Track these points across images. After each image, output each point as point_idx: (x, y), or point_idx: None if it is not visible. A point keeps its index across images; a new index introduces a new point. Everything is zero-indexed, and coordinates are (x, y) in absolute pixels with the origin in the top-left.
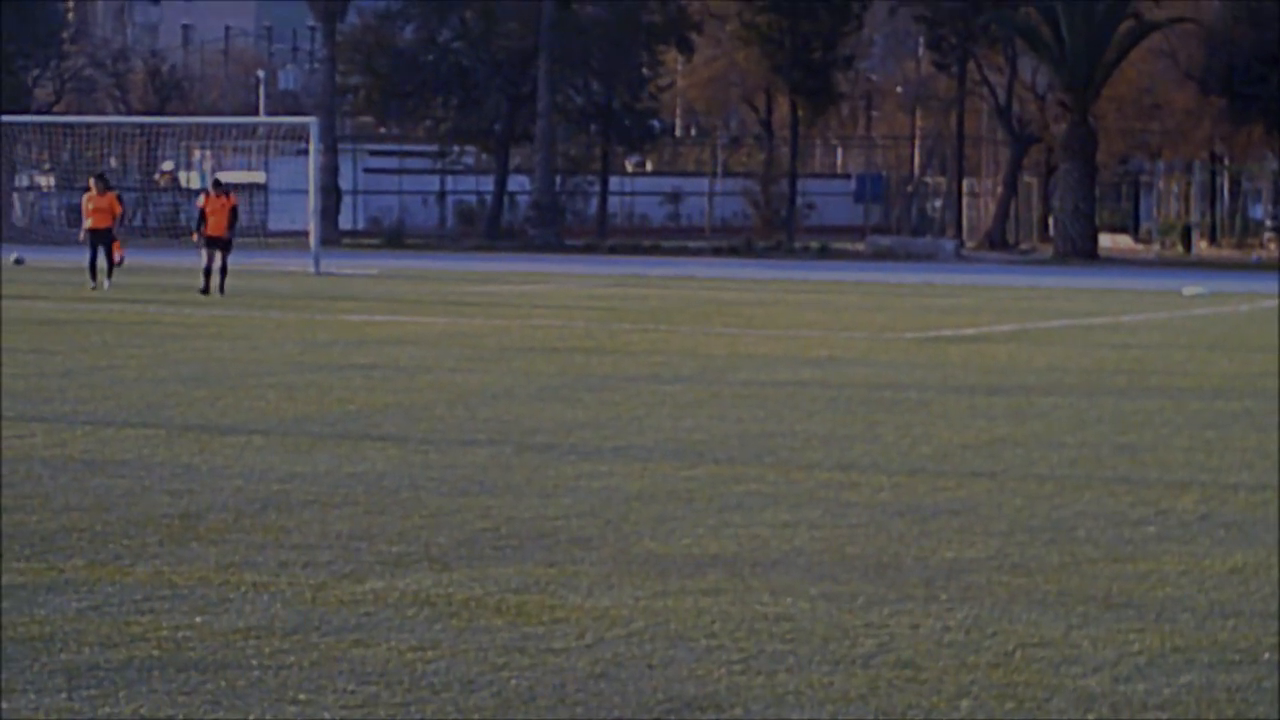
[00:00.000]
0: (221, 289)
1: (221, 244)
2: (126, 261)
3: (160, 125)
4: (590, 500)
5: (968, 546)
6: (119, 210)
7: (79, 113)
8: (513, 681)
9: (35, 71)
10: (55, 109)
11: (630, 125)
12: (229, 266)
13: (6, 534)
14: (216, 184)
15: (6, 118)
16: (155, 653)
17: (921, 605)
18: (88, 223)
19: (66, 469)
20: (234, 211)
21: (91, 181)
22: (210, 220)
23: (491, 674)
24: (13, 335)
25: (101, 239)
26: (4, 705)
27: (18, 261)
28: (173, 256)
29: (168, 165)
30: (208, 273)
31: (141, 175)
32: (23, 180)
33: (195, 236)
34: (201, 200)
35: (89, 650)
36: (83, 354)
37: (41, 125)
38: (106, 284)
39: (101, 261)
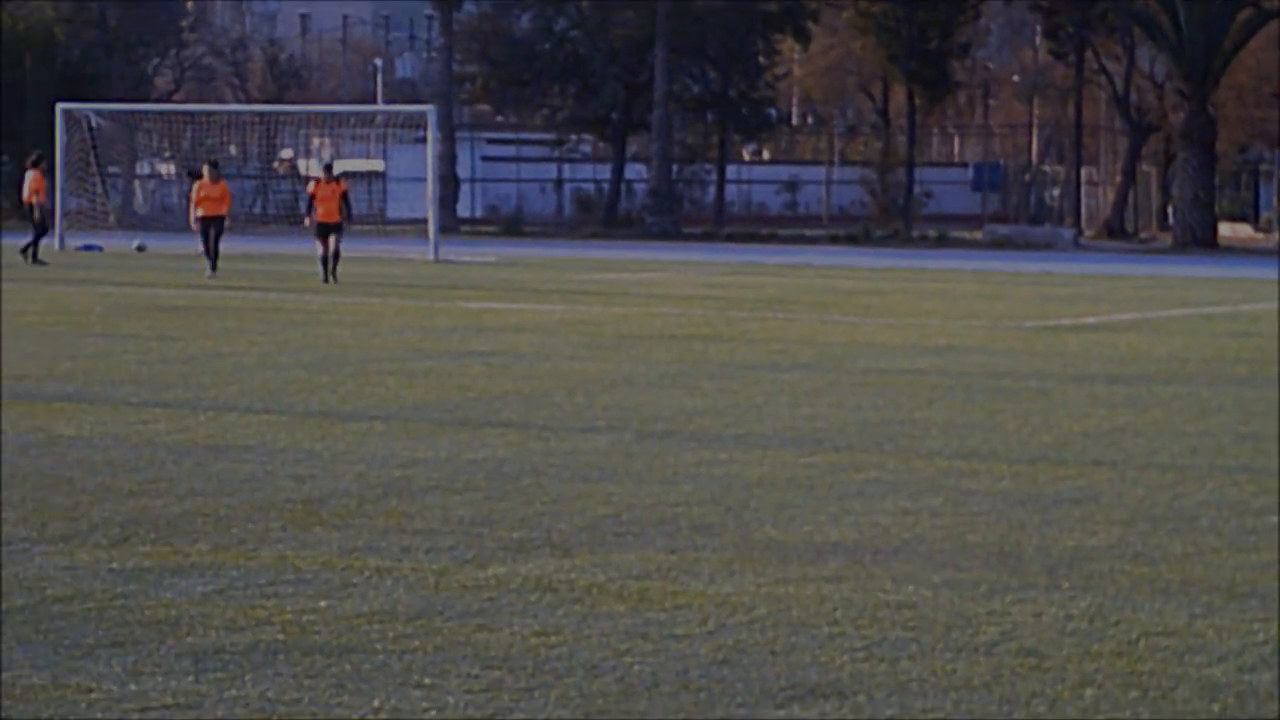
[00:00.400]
0: (334, 275)
1: (334, 229)
2: (246, 249)
3: (279, 113)
4: (711, 487)
5: (1089, 535)
6: (230, 199)
7: (199, 101)
8: (635, 667)
9: (155, 60)
10: (175, 97)
11: (747, 113)
12: (341, 252)
13: (132, 519)
14: (327, 169)
15: (128, 106)
16: (280, 637)
17: (1044, 593)
18: (199, 211)
19: (190, 454)
20: (344, 197)
21: (204, 169)
22: (321, 206)
23: (614, 659)
24: (135, 322)
25: (212, 226)
26: (132, 688)
27: (140, 248)
28: (292, 243)
29: (286, 153)
30: (324, 261)
31: (260, 163)
32: (144, 168)
33: (306, 221)
34: (312, 186)
35: (215, 634)
36: (205, 340)
37: (162, 113)
38: (209, 273)
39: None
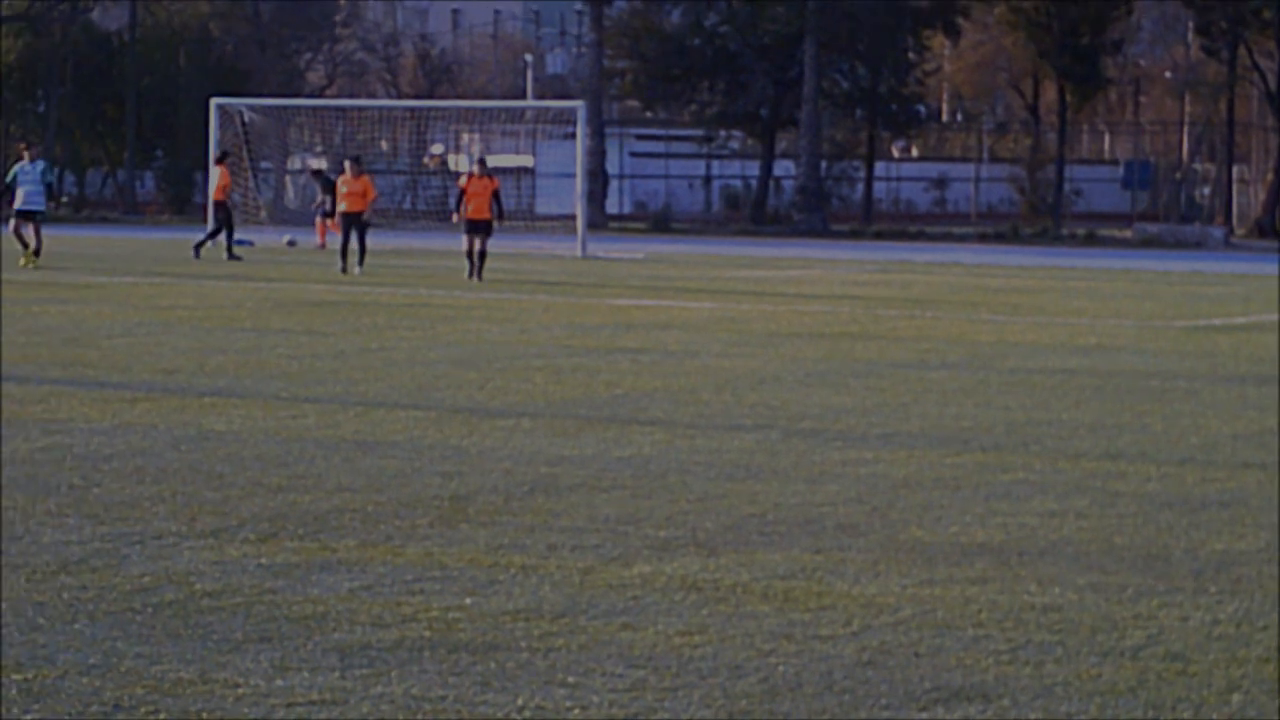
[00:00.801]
0: (479, 274)
1: (483, 227)
2: (396, 244)
3: (429, 109)
4: (857, 487)
5: (1238, 539)
6: (373, 195)
7: (350, 96)
8: (780, 668)
9: (308, 55)
10: (327, 93)
11: (896, 110)
12: (487, 251)
13: (280, 514)
14: (481, 164)
15: (281, 101)
16: (426, 633)
17: (1190, 597)
18: (341, 206)
19: (339, 449)
20: (496, 194)
21: (347, 164)
22: (472, 202)
23: (759, 660)
24: (285, 317)
25: (354, 223)
26: (279, 683)
27: (290, 243)
28: (442, 239)
29: (437, 149)
30: (470, 256)
31: (411, 158)
32: (295, 163)
33: (455, 218)
34: (464, 181)
35: (361, 630)
36: (354, 335)
37: (314, 109)
38: (358, 269)
39: (354, 244)
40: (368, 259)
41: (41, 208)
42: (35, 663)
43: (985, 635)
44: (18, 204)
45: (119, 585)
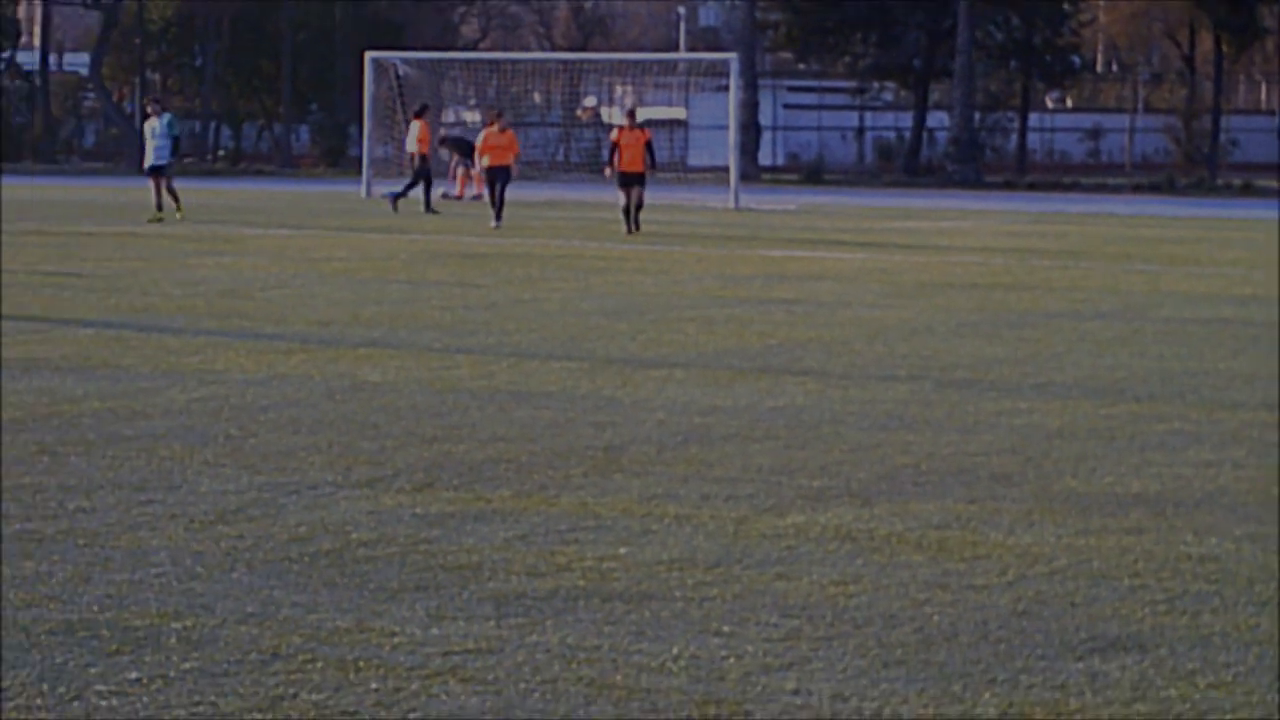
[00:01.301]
0: (636, 225)
1: (637, 179)
2: (549, 196)
3: (583, 61)
4: (1010, 437)
5: None
6: (517, 150)
7: (504, 49)
8: (935, 618)
9: (462, 9)
10: (480, 46)
11: (1050, 61)
12: (644, 202)
13: (435, 464)
14: (631, 116)
15: (434, 54)
16: (580, 583)
17: None
18: (484, 160)
19: (493, 400)
20: (649, 146)
21: (492, 117)
22: (625, 154)
23: (913, 610)
24: (438, 268)
25: (499, 176)
26: (435, 631)
27: (444, 196)
28: (594, 191)
29: (590, 101)
30: (626, 212)
31: (564, 111)
32: (449, 116)
33: (608, 171)
34: (615, 134)
35: (516, 579)
36: (507, 286)
37: (467, 62)
38: (495, 223)
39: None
40: (505, 214)
41: (163, 162)
42: (194, 611)
43: (1141, 585)
44: (148, 161)
45: (276, 535)
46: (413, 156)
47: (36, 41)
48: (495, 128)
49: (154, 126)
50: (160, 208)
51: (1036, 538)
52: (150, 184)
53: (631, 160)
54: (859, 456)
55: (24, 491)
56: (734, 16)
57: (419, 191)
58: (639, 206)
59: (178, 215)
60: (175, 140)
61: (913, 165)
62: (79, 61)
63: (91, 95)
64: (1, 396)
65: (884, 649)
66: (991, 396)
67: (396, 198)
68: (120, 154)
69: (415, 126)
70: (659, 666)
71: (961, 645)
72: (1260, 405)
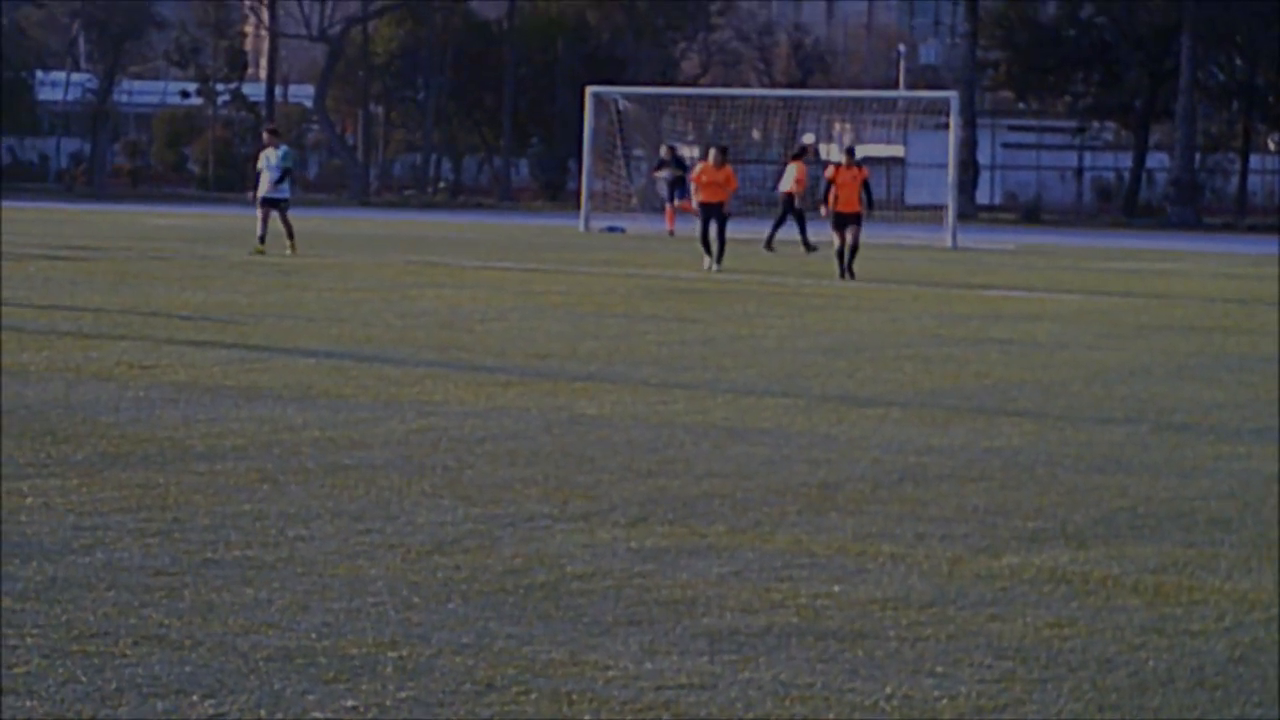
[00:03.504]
0: (850, 271)
1: (852, 220)
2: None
3: (802, 98)
4: (1229, 482)
5: None
6: (734, 186)
7: (724, 85)
8: (1150, 663)
9: (683, 44)
10: (700, 81)
11: (1274, 102)
12: (860, 244)
13: (650, 498)
14: (849, 154)
15: (655, 90)
16: (794, 620)
17: None
18: (699, 196)
19: (708, 435)
20: (865, 185)
21: (711, 152)
22: (841, 193)
23: (1128, 654)
24: (656, 303)
25: (713, 214)
26: (648, 666)
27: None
28: (812, 228)
29: (808, 138)
30: (840, 255)
31: (782, 148)
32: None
33: (824, 210)
34: (831, 171)
35: (730, 615)
36: (724, 323)
37: (687, 97)
38: (715, 266)
39: (712, 236)
40: (727, 254)
41: (278, 195)
42: (410, 641)
43: None
44: (261, 191)
45: (491, 566)
46: (788, 195)
47: (263, 74)
48: (711, 162)
49: (269, 157)
50: (263, 240)
51: (1255, 583)
52: (258, 213)
53: (848, 200)
54: (1075, 499)
55: (244, 518)
56: (954, 55)
57: (790, 230)
58: (854, 250)
59: (288, 251)
60: (286, 172)
61: (1131, 206)
62: (304, 93)
63: (315, 127)
64: (225, 425)
65: (1099, 693)
66: (1210, 440)
67: (769, 238)
68: (343, 185)
69: (792, 169)
70: (872, 705)
71: (1177, 691)
72: None
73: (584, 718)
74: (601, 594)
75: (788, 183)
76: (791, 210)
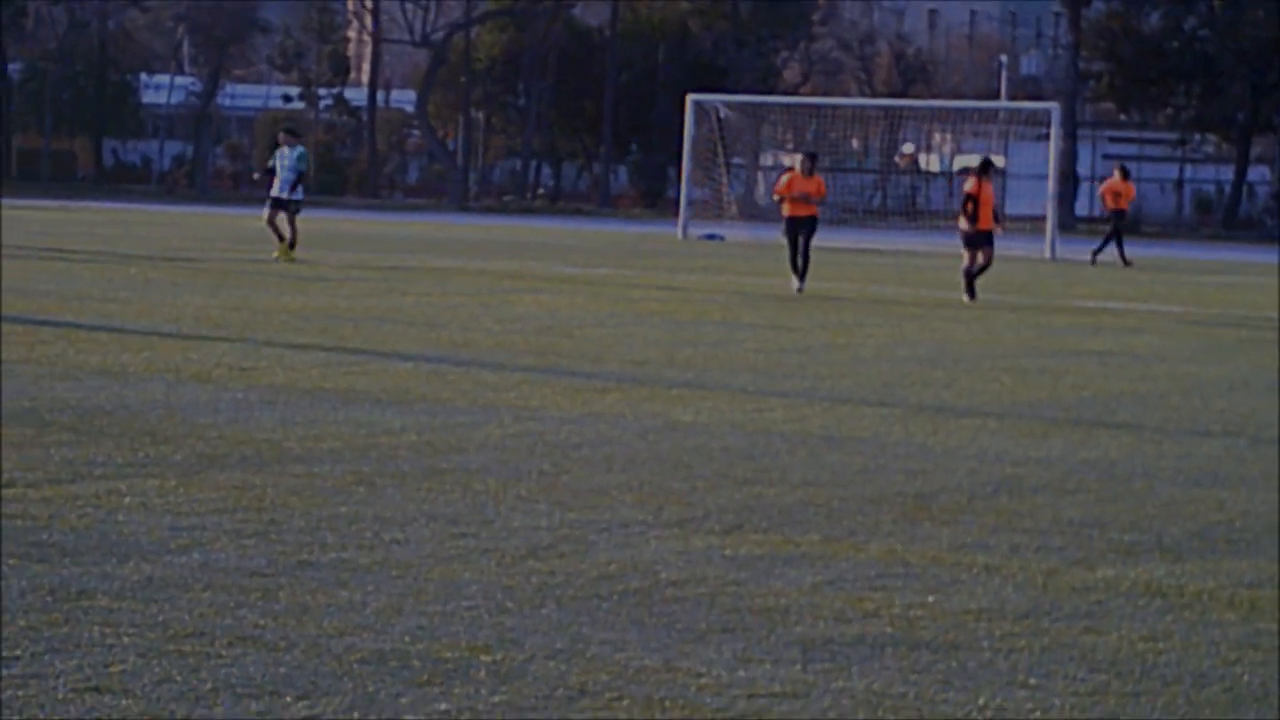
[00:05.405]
0: (973, 291)
1: (989, 239)
2: (862, 243)
3: (902, 108)
4: None
5: None
6: (824, 194)
7: (825, 94)
8: (1245, 678)
9: (784, 53)
10: (802, 90)
11: None
12: (991, 263)
13: (745, 506)
14: (986, 166)
15: (755, 98)
16: (888, 630)
17: None
18: (784, 209)
19: (804, 444)
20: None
21: (798, 160)
22: (982, 211)
23: (1224, 669)
24: (753, 311)
25: (801, 229)
26: (741, 674)
27: (710, 237)
28: (908, 238)
29: (908, 147)
30: (969, 274)
31: (882, 157)
32: (767, 160)
33: (964, 223)
34: (973, 185)
35: (823, 624)
36: (821, 331)
37: (788, 106)
38: (799, 284)
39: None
40: (810, 273)
41: (290, 196)
42: (504, 645)
43: None
44: (273, 191)
45: (586, 572)
46: (1117, 213)
47: (365, 79)
48: (799, 170)
49: (284, 156)
50: (284, 240)
51: None
52: (265, 213)
53: (988, 216)
54: (1171, 512)
55: (340, 521)
56: (1056, 66)
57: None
58: (984, 268)
59: (275, 253)
60: (300, 175)
61: (1232, 219)
62: (405, 98)
63: (416, 132)
64: (322, 428)
65: (1193, 707)
66: None
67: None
68: (443, 190)
69: (1113, 181)
70: (964, 717)
71: (1273, 706)
72: None
73: None
74: (695, 601)
75: (1106, 192)
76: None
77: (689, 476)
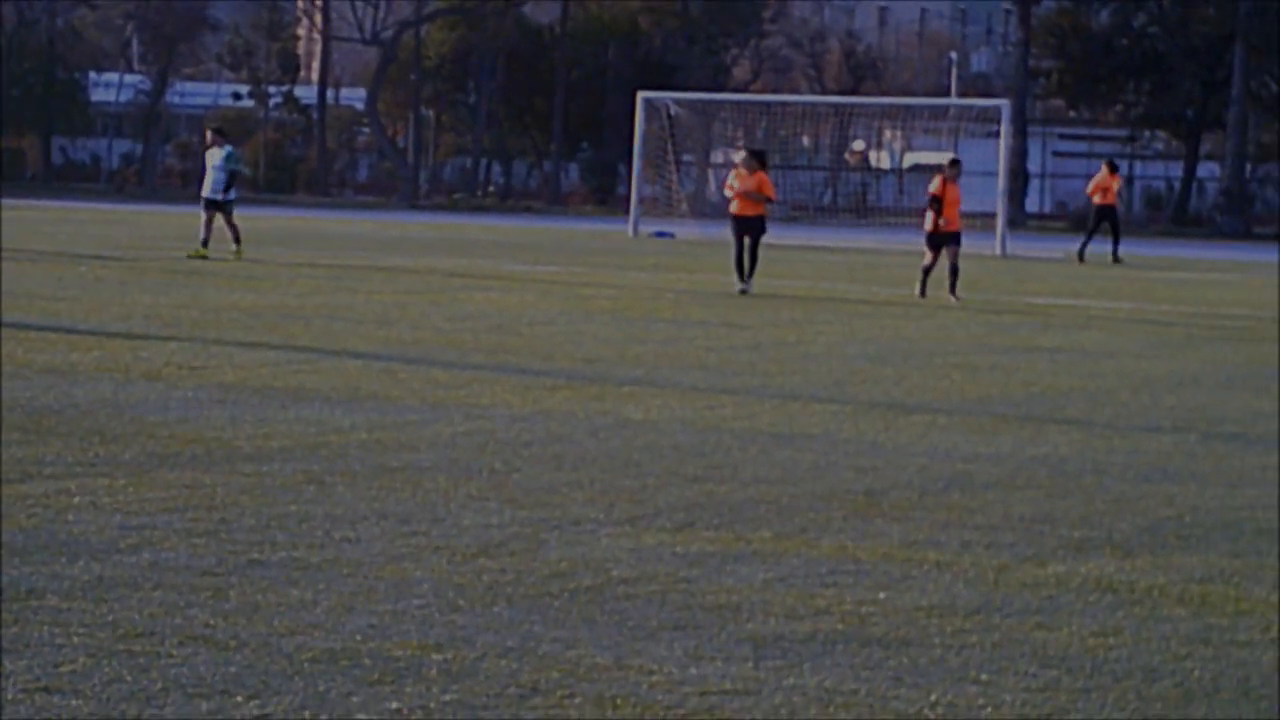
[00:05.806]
0: (954, 290)
1: (953, 239)
2: (811, 240)
3: (852, 105)
4: (1276, 492)
5: None
6: (770, 193)
7: (775, 91)
8: (1196, 673)
9: (734, 51)
10: (752, 88)
11: None
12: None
13: (696, 503)
14: (953, 164)
15: (706, 95)
16: (839, 626)
17: None
18: (732, 207)
19: (755, 441)
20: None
21: (739, 158)
22: (947, 210)
23: (1174, 664)
24: (704, 309)
25: (747, 229)
26: (692, 671)
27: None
28: (857, 235)
29: (858, 144)
30: (927, 271)
31: (832, 154)
32: (718, 157)
33: (930, 225)
34: (937, 185)
35: (774, 621)
36: (772, 328)
37: (738, 103)
38: (746, 284)
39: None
40: (757, 274)
41: (218, 196)
42: (454, 644)
43: None
44: (204, 192)
45: (537, 570)
46: (1105, 209)
47: (315, 76)
48: (742, 168)
49: (213, 157)
50: (206, 244)
51: None
52: (203, 215)
53: (954, 217)
54: (1122, 507)
55: (291, 519)
56: (1006, 63)
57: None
58: (954, 271)
59: (233, 252)
60: (232, 175)
61: (1181, 215)
62: (355, 96)
63: (366, 130)
64: (272, 426)
65: (1143, 702)
66: (1258, 450)
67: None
68: (393, 188)
69: (1102, 176)
70: (916, 713)
71: (1223, 702)
72: None
73: None
74: (646, 599)
75: (1094, 187)
76: (1104, 217)
77: (640, 474)
